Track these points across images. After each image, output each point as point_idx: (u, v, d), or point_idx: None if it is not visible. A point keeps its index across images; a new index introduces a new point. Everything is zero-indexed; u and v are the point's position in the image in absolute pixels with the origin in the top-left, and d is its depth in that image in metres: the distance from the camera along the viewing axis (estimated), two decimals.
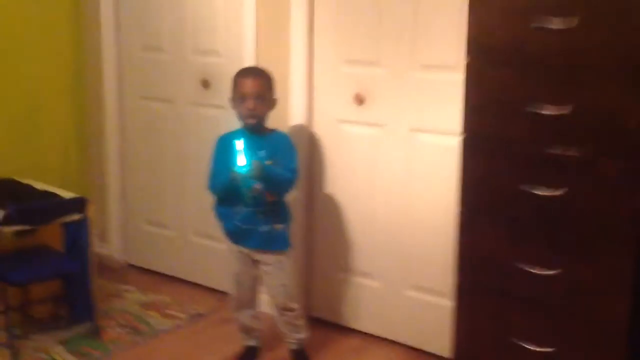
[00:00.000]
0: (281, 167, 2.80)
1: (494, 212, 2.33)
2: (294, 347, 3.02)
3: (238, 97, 2.82)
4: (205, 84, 3.66)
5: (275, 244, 2.86)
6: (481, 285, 2.40)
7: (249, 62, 3.38)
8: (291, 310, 2.93)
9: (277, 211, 2.85)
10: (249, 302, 3.00)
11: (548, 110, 2.15)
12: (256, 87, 2.79)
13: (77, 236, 3.24)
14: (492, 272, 2.36)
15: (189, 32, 3.69)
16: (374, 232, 3.21)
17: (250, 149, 2.71)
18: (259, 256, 2.89)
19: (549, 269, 2.20)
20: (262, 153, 2.76)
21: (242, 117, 2.82)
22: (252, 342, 3.09)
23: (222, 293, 3.36)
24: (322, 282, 3.42)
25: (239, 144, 2.65)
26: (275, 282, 2.89)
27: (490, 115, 2.29)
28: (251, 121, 2.80)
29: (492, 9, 2.25)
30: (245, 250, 2.89)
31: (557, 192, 2.15)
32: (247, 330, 3.06)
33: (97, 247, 3.94)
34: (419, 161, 3.02)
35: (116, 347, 3.18)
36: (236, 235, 2.88)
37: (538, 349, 2.25)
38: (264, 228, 2.83)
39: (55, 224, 3.17)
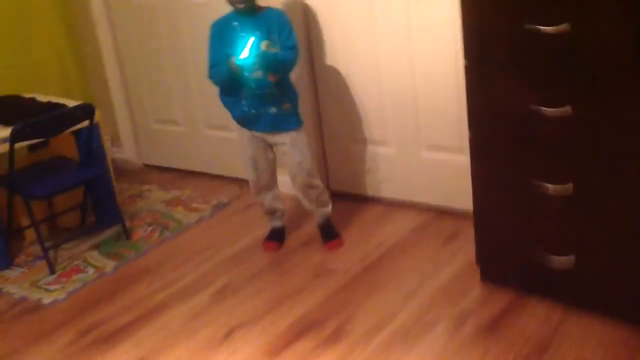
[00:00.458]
0: (279, 45, 2.74)
1: (500, 60, 2.29)
2: (320, 221, 3.07)
3: None
4: None
5: (286, 123, 2.86)
6: (495, 133, 2.39)
7: None
8: (313, 187, 2.96)
9: (282, 91, 2.82)
10: (268, 184, 3.03)
11: None
12: None
13: (89, 142, 3.25)
14: (504, 118, 2.34)
15: None
16: (381, 97, 3.18)
17: (245, 30, 2.67)
18: (272, 138, 2.89)
19: (561, 106, 2.17)
20: (257, 34, 2.70)
21: (231, 2, 2.75)
22: (277, 223, 3.14)
23: (242, 180, 3.40)
24: (337, 156, 3.44)
25: (250, 41, 2.63)
26: (292, 160, 2.91)
27: None
28: (240, 6, 2.74)
29: None
30: (258, 134, 2.89)
31: (563, 30, 2.09)
32: (271, 212, 3.11)
33: (112, 153, 3.97)
34: (419, 20, 2.95)
35: (147, 244, 3.26)
36: (246, 120, 2.87)
37: (556, 187, 2.27)
38: (272, 110, 2.81)
39: (65, 133, 3.18)
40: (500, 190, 2.45)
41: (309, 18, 3.24)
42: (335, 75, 3.28)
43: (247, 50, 2.63)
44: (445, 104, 2.99)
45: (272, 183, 3.04)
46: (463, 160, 2.80)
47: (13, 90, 3.55)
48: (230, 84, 2.80)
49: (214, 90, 2.93)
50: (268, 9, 2.82)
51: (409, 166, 3.22)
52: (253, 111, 2.82)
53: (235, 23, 2.75)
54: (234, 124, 2.96)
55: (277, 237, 3.13)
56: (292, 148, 2.89)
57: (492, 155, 2.42)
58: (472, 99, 2.40)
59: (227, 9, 2.81)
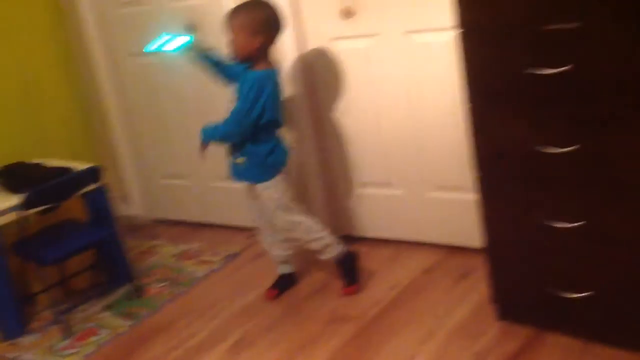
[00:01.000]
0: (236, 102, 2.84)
1: (502, 100, 2.30)
2: (334, 261, 3.03)
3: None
4: (190, 28, 3.59)
5: (244, 175, 2.94)
6: (501, 173, 2.40)
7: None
8: (295, 223, 2.94)
9: (237, 144, 2.89)
10: (266, 228, 3.06)
11: None
12: (232, 26, 2.77)
13: (98, 204, 3.28)
14: (510, 158, 2.36)
15: None
16: (386, 141, 3.20)
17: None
18: (251, 187, 2.98)
19: (569, 145, 2.18)
20: (235, 93, 2.84)
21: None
22: (286, 269, 3.15)
23: (250, 229, 3.41)
24: (344, 201, 3.45)
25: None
26: (267, 210, 2.95)
27: (482, 2, 2.24)
28: (232, 55, 2.83)
29: None
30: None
31: (565, 70, 2.11)
32: (278, 258, 3.12)
33: (121, 210, 4.00)
34: (418, 62, 2.98)
35: (160, 301, 3.26)
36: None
37: (569, 225, 2.27)
38: (231, 160, 2.94)
39: (74, 197, 3.20)
40: (512, 228, 2.45)
41: (309, 62, 3.29)
42: (336, 120, 3.31)
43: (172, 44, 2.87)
44: (448, 143, 3.01)
45: (268, 227, 3.05)
46: (470, 198, 2.82)
47: (19, 155, 3.59)
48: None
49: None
50: (255, 70, 2.80)
51: (416, 206, 3.23)
52: (228, 160, 2.96)
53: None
54: None
55: (277, 284, 3.14)
56: (266, 199, 2.93)
57: (500, 194, 2.43)
58: (476, 140, 2.41)
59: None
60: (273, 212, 2.93)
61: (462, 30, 2.30)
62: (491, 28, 2.25)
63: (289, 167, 3.00)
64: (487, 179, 2.46)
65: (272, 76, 2.81)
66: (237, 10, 2.81)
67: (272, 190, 2.91)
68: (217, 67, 2.97)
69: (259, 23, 2.75)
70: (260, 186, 2.91)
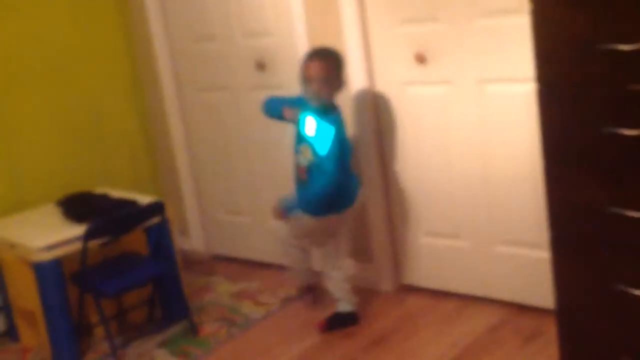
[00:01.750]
0: (321, 156, 2.89)
1: (580, 158, 2.20)
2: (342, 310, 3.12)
3: (303, 79, 2.90)
4: (260, 66, 3.60)
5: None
6: (577, 235, 2.29)
7: (300, 37, 3.31)
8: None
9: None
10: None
11: (624, 48, 2.00)
12: (321, 70, 2.85)
13: (159, 238, 3.27)
14: (586, 219, 2.24)
15: (237, 16, 3.62)
16: (454, 191, 3.12)
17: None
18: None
19: None
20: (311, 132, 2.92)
21: (307, 98, 2.89)
22: (344, 307, 3.14)
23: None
24: (409, 249, 3.36)
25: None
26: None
27: (563, 59, 2.16)
28: (315, 103, 2.88)
29: None
30: None
31: None
32: (335, 294, 3.16)
33: (180, 242, 3.98)
34: (492, 113, 2.91)
35: (215, 342, 3.20)
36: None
37: None
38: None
39: (136, 230, 3.20)
40: (586, 292, 2.32)
41: (379, 105, 3.23)
42: (406, 168, 3.24)
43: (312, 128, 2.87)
44: (521, 197, 2.91)
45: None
46: (541, 255, 2.70)
47: (85, 183, 3.63)
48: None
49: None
50: (330, 114, 2.90)
51: (484, 260, 3.12)
52: None
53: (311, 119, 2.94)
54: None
55: (331, 319, 3.15)
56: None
57: (575, 255, 2.31)
58: (551, 197, 2.30)
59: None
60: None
61: (540, 85, 2.22)
62: (571, 85, 2.16)
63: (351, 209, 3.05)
64: (562, 238, 2.34)
65: (342, 119, 2.95)
66: (322, 54, 2.92)
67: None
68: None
69: (339, 69, 2.92)
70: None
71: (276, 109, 3.11)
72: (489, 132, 2.93)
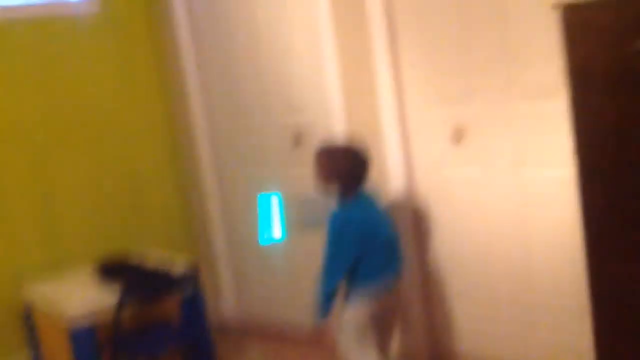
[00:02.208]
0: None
1: (625, 247, 2.18)
2: None
3: None
4: (297, 142, 3.66)
5: None
6: (622, 326, 2.25)
7: (337, 115, 3.37)
8: None
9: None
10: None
11: None
12: (314, 166, 2.92)
13: (193, 305, 3.27)
14: (632, 310, 2.21)
15: (275, 95, 3.70)
16: (494, 278, 3.08)
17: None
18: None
19: None
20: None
21: None
22: None
23: None
24: (446, 340, 3.31)
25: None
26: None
27: (601, 142, 2.18)
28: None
29: (587, 33, 2.15)
30: None
31: None
32: None
33: (212, 305, 3.93)
34: (530, 197, 2.89)
35: None
36: None
37: None
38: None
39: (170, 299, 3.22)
40: None
41: (415, 195, 3.25)
42: (444, 255, 3.24)
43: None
44: (561, 286, 2.86)
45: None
46: (583, 342, 2.60)
47: (122, 244, 3.69)
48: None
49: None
50: (339, 208, 2.87)
51: (525, 347, 3.05)
52: None
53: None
54: None
55: None
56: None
57: (618, 347, 2.26)
58: (594, 288, 2.27)
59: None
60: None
61: (578, 167, 2.23)
62: (610, 168, 2.17)
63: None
64: (606, 329, 2.29)
65: (354, 217, 2.84)
66: (316, 152, 2.94)
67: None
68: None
69: (330, 170, 2.89)
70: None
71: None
72: (527, 218, 2.91)
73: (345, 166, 2.87)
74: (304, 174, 3.56)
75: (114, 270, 3.35)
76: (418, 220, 3.27)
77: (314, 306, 2.80)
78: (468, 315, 3.22)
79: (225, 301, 4.20)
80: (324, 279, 2.81)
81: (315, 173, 2.92)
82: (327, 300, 2.80)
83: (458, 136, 3.05)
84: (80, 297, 3.17)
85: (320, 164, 2.91)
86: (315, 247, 2.97)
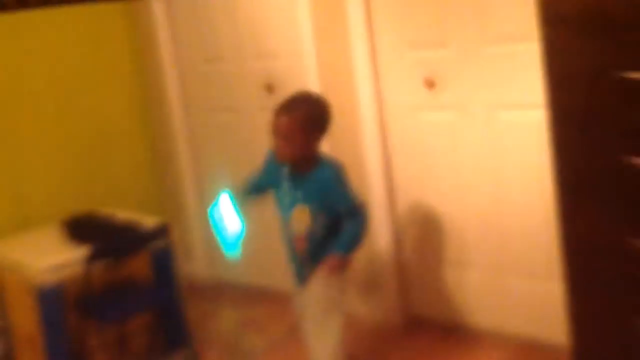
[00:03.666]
0: (324, 214, 2.54)
1: (595, 191, 2.14)
2: None
3: (271, 131, 2.57)
4: (269, 88, 3.57)
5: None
6: (591, 269, 2.23)
7: (309, 60, 3.27)
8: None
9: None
10: None
11: (637, 77, 1.94)
12: (283, 127, 2.50)
13: (163, 263, 3.21)
14: (601, 254, 2.19)
15: (247, 39, 3.61)
16: (465, 221, 3.06)
17: (290, 182, 2.58)
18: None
19: None
20: (299, 194, 2.55)
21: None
22: None
23: None
24: (417, 281, 3.29)
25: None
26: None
27: (574, 87, 2.12)
28: (281, 159, 2.57)
29: None
30: None
31: None
32: None
33: (183, 267, 3.90)
34: (503, 140, 2.86)
35: None
36: None
37: None
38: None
39: (140, 253, 3.15)
40: (603, 329, 2.25)
41: (387, 130, 3.19)
42: (416, 197, 3.19)
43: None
44: (535, 228, 2.84)
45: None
46: (556, 288, 2.59)
47: (90, 203, 3.61)
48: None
49: None
50: (320, 168, 2.56)
51: (494, 293, 3.04)
52: None
53: (286, 169, 2.61)
54: None
55: None
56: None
57: (590, 291, 2.23)
58: (565, 230, 2.24)
59: None
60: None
61: (552, 114, 2.16)
62: (584, 113, 2.11)
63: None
64: (575, 273, 2.27)
65: (341, 167, 2.61)
66: (290, 107, 2.55)
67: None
68: (258, 191, 2.76)
69: (310, 123, 2.53)
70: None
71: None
72: (499, 159, 2.89)
73: (328, 117, 2.58)
74: None
75: (81, 227, 3.28)
76: (389, 164, 3.22)
77: (348, 241, 2.54)
78: (439, 261, 3.19)
79: (196, 262, 4.14)
80: (362, 223, 2.56)
81: (287, 137, 2.50)
82: (358, 242, 2.57)
83: (431, 81, 2.98)
84: (47, 254, 3.10)
85: (301, 124, 2.51)
86: None
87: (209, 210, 2.51)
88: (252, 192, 2.76)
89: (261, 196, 2.76)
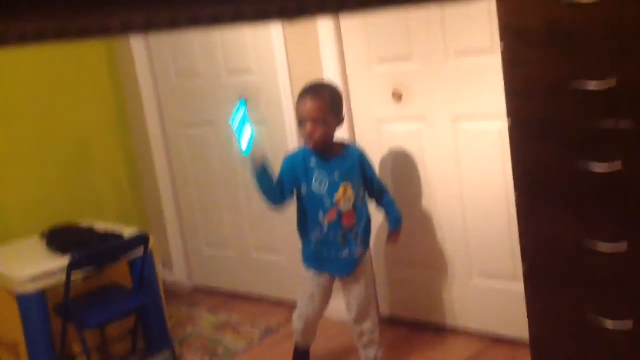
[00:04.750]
0: (363, 189, 2.77)
1: (552, 194, 2.29)
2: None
3: (298, 120, 2.70)
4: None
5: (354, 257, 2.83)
6: (550, 268, 2.37)
7: (282, 75, 3.40)
8: (366, 320, 2.85)
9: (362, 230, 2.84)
10: (315, 319, 2.94)
11: (593, 86, 2.10)
12: (313, 110, 2.59)
13: (143, 270, 3.30)
14: (559, 254, 2.33)
15: (221, 54, 3.72)
16: (432, 225, 3.19)
17: (323, 168, 2.68)
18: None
19: (618, 245, 2.15)
20: (336, 175, 2.67)
21: (304, 140, 2.71)
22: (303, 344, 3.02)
23: (291, 303, 3.39)
24: (387, 281, 3.42)
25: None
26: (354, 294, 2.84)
27: (533, 97, 2.26)
28: (310, 145, 2.65)
29: None
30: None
31: (615, 167, 2.10)
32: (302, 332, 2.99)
33: (162, 274, 4.01)
34: (467, 149, 3.00)
35: None
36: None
37: (617, 322, 2.21)
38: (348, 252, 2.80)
39: (120, 262, 3.24)
40: (559, 325, 2.39)
41: (357, 141, 3.30)
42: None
43: (245, 140, 2.52)
44: (495, 231, 2.99)
45: (319, 318, 2.95)
46: (517, 287, 2.76)
47: (70, 215, 3.67)
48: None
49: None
50: (348, 148, 2.76)
51: (461, 292, 3.18)
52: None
53: (313, 160, 2.68)
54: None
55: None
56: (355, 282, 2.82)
57: (547, 289, 2.39)
58: (524, 232, 2.39)
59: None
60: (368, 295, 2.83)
61: (511, 122, 2.31)
62: (542, 122, 2.25)
63: None
64: (534, 271, 2.42)
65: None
66: (315, 91, 2.67)
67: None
68: (271, 184, 2.69)
69: (335, 104, 2.68)
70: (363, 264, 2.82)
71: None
72: (464, 168, 3.02)
73: (342, 104, 2.75)
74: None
75: (61, 238, 3.35)
76: None
77: (397, 213, 2.87)
78: (406, 264, 3.32)
79: (175, 270, 4.24)
80: (390, 194, 2.88)
81: (318, 119, 2.58)
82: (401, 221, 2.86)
83: (399, 94, 3.11)
84: (29, 262, 3.17)
85: (329, 106, 2.62)
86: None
87: (230, 116, 2.55)
88: (268, 175, 2.67)
89: (269, 190, 2.70)
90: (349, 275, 2.79)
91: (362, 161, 2.78)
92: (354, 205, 2.71)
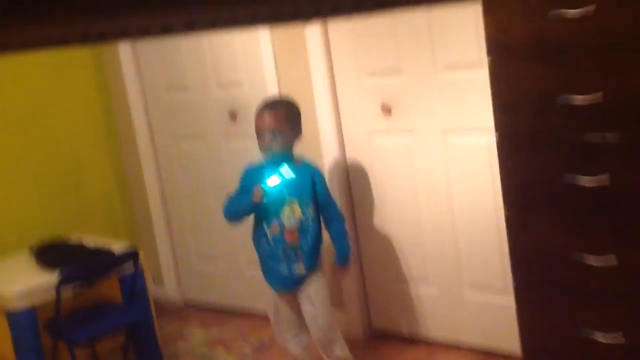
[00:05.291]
0: (312, 206, 2.78)
1: (541, 208, 2.30)
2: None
3: (256, 132, 2.78)
4: (233, 115, 3.69)
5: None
6: (540, 281, 2.38)
7: (271, 89, 3.40)
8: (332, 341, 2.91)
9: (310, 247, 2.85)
10: (290, 329, 2.95)
11: (579, 100, 2.11)
12: (270, 122, 2.72)
13: (133, 286, 3.28)
14: (548, 267, 2.33)
15: (211, 68, 3.72)
16: (422, 238, 3.19)
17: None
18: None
19: (607, 258, 2.16)
20: (284, 190, 2.73)
21: (262, 150, 2.79)
22: None
23: None
24: (378, 295, 3.41)
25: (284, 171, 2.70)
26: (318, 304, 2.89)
27: (521, 111, 2.27)
28: (267, 156, 2.75)
29: (506, 6, 2.22)
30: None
31: (603, 181, 2.11)
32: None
33: (153, 290, 4.00)
34: (456, 162, 3.00)
35: None
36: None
37: (608, 336, 2.21)
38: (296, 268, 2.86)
39: (110, 278, 3.23)
40: (550, 338, 2.39)
41: (347, 162, 3.33)
42: (375, 217, 3.31)
43: (276, 178, 2.69)
44: (486, 244, 2.98)
45: (295, 328, 2.94)
46: (507, 300, 2.76)
47: (60, 229, 3.65)
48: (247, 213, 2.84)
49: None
50: (303, 163, 2.84)
51: (452, 306, 3.18)
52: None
53: (267, 171, 2.77)
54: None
55: None
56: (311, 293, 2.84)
57: (538, 302, 2.39)
58: (513, 245, 2.39)
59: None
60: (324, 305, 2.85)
61: (500, 136, 2.32)
62: (530, 135, 2.27)
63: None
64: (525, 284, 2.42)
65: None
66: (273, 105, 2.83)
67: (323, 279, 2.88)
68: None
69: (291, 118, 2.80)
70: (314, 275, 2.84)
71: (242, 200, 2.84)
72: (453, 181, 3.02)
73: (301, 118, 2.84)
74: (242, 145, 3.59)
75: (51, 253, 3.34)
76: (349, 187, 3.35)
77: (345, 247, 2.89)
78: (398, 278, 3.31)
79: (166, 285, 4.22)
80: (344, 223, 2.88)
81: (275, 131, 2.70)
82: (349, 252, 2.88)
83: (388, 107, 3.12)
84: (19, 278, 3.15)
85: (285, 119, 2.75)
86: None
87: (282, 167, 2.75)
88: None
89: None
90: (290, 292, 2.83)
91: (314, 180, 2.80)
92: (301, 223, 2.75)
